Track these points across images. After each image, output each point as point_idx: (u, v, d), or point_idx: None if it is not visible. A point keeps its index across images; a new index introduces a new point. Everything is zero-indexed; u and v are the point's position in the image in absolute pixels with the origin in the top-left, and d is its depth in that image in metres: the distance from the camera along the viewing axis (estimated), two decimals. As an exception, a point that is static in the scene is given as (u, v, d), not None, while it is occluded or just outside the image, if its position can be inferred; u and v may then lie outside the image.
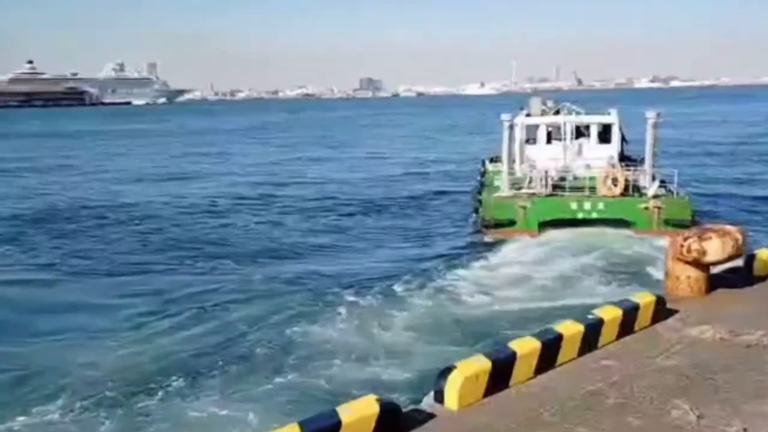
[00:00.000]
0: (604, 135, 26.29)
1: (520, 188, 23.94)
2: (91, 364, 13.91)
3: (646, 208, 22.24)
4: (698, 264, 11.07)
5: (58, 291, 20.35)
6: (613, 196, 22.62)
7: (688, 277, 11.16)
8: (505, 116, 24.88)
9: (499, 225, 22.93)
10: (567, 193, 23.23)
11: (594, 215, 22.61)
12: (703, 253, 10.78)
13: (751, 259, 12.48)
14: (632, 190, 23.09)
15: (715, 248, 10.76)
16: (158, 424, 11.32)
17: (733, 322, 9.99)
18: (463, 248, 23.10)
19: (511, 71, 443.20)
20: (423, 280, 19.12)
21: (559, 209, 22.84)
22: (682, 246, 10.93)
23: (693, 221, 21.77)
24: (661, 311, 10.19)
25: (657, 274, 16.80)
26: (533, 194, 23.33)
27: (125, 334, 15.71)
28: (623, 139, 27.20)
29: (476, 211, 26.35)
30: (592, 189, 23.04)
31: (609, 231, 22.28)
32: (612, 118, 26.52)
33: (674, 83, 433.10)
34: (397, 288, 18.27)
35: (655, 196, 22.59)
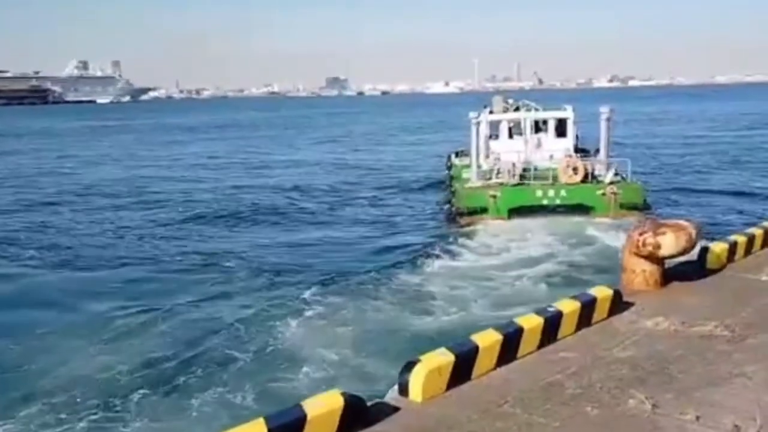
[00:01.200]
0: (561, 129, 28.31)
1: (488, 179, 25.80)
2: (43, 368, 13.68)
3: (604, 194, 24.24)
4: (653, 258, 11.34)
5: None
6: (574, 184, 24.58)
7: (644, 270, 11.41)
8: (473, 114, 27.03)
9: (471, 213, 24.74)
10: (532, 182, 25.03)
11: (557, 201, 24.55)
12: (658, 247, 11.06)
13: (704, 252, 12.82)
14: (590, 177, 25.04)
15: (670, 242, 11.03)
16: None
17: (686, 314, 10.26)
18: (438, 237, 24.38)
19: (473, 70, 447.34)
20: (397, 271, 19.53)
21: (526, 197, 24.70)
22: (637, 240, 11.21)
23: (645, 205, 24.37)
24: (618, 304, 10.41)
25: (614, 251, 17.65)
26: (502, 184, 25.20)
27: (81, 336, 15.43)
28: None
29: (448, 201, 28.64)
30: (554, 178, 24.97)
31: (571, 217, 24.22)
32: (567, 113, 28.62)
33: (632, 83, 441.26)
34: (370, 284, 18.60)
35: (611, 183, 24.61)
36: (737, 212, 28.62)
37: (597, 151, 26.69)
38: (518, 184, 25.15)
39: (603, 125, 25.80)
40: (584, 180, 24.71)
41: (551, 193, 24.52)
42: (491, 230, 23.50)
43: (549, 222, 23.79)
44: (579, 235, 22.61)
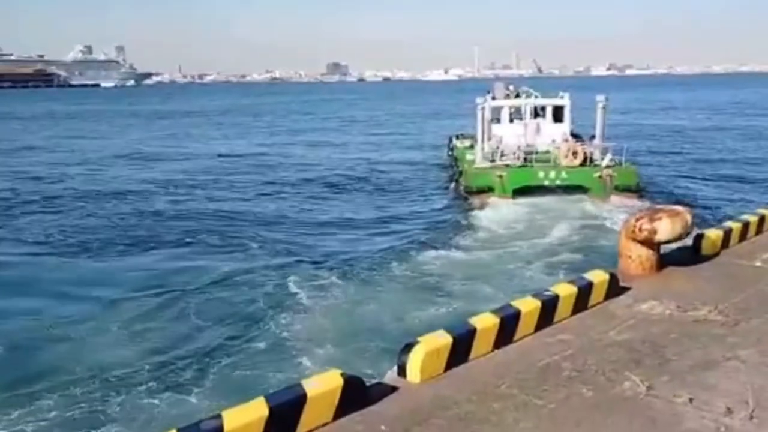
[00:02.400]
0: (558, 115, 30.06)
1: (492, 161, 27.39)
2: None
3: (600, 176, 25.87)
4: (649, 243, 11.43)
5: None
6: (574, 167, 26.28)
7: (640, 255, 11.51)
8: (479, 100, 28.85)
9: (479, 192, 26.47)
10: (535, 164, 26.72)
11: (558, 183, 26.29)
12: (654, 232, 11.15)
13: (699, 238, 12.92)
14: (589, 161, 26.58)
15: (665, 228, 11.13)
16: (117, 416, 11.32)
17: (681, 299, 10.37)
18: (448, 214, 25.96)
19: (472, 58, 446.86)
20: (401, 256, 19.85)
21: (530, 177, 26.47)
22: (634, 225, 11.30)
23: (638, 187, 26.05)
24: (614, 288, 10.52)
25: (611, 233, 18.42)
26: (507, 165, 26.90)
27: (83, 324, 15.46)
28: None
29: (455, 180, 30.35)
30: (554, 161, 26.71)
31: (570, 197, 25.90)
32: (564, 101, 30.31)
33: (630, 71, 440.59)
34: (372, 270, 18.78)
35: (607, 166, 26.25)
36: (733, 199, 28.85)
37: (592, 137, 28.28)
38: (522, 166, 26.88)
39: (599, 113, 27.49)
40: (583, 163, 26.33)
41: (552, 174, 26.25)
42: (497, 208, 25.03)
43: (550, 201, 25.46)
44: (579, 215, 24.06)
